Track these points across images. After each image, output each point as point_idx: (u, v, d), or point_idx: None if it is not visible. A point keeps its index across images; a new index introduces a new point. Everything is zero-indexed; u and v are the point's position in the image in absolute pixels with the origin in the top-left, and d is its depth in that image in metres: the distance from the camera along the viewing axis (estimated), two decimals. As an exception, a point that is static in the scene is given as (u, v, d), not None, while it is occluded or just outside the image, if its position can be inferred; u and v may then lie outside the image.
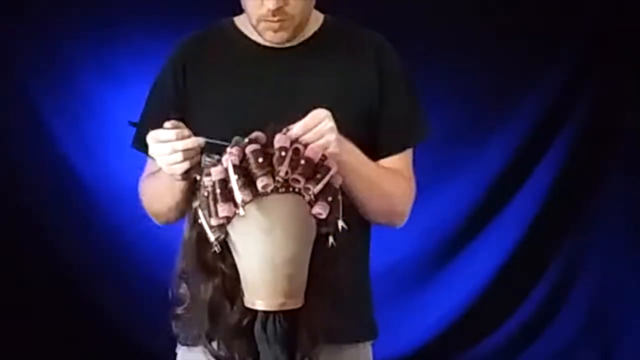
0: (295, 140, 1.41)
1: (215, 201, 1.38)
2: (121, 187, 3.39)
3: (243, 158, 1.39)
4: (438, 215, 3.52)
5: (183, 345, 1.69)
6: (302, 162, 1.39)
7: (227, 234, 1.41)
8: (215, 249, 1.42)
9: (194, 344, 1.60)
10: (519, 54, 3.45)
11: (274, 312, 1.41)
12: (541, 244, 3.53)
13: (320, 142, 1.43)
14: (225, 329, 1.46)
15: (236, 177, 1.37)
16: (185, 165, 1.46)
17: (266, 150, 1.39)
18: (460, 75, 3.41)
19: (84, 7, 3.37)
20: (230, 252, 1.43)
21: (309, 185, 1.39)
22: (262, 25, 1.61)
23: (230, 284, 1.45)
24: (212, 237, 1.41)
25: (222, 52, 1.71)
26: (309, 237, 1.43)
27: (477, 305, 3.52)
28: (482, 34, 3.41)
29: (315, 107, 1.48)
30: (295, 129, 1.42)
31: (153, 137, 1.48)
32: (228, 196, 1.38)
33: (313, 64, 1.53)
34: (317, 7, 1.70)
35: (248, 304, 1.43)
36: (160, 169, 1.56)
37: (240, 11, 1.67)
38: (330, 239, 1.44)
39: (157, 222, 1.75)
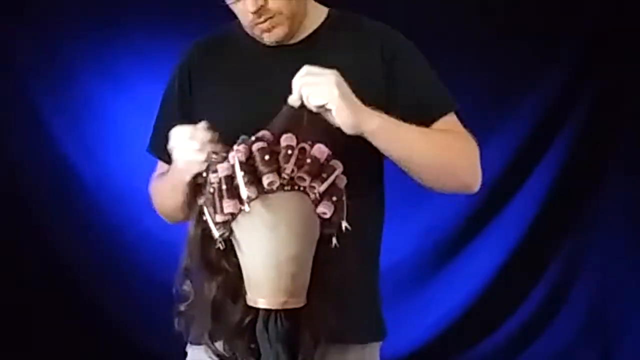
0: (301, 140, 1.41)
1: (221, 197, 1.39)
2: (121, 187, 3.40)
3: (249, 155, 1.39)
4: (438, 215, 3.52)
5: (189, 343, 1.69)
6: (308, 160, 1.40)
7: (231, 231, 1.42)
8: (220, 245, 1.42)
9: (197, 342, 1.60)
10: (519, 54, 3.45)
11: (276, 311, 1.41)
12: (541, 244, 3.54)
13: (318, 89, 1.43)
14: (228, 328, 1.47)
15: (242, 173, 1.38)
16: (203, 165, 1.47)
17: (272, 148, 1.40)
18: (460, 75, 3.40)
19: (84, 7, 3.38)
20: (234, 251, 1.44)
21: (315, 184, 1.40)
22: (255, 30, 1.62)
23: (234, 282, 1.45)
24: (216, 233, 1.42)
25: (227, 54, 1.71)
26: (312, 236, 1.43)
27: (477, 305, 3.52)
28: (482, 34, 3.41)
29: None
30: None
31: (183, 134, 1.48)
32: (234, 193, 1.39)
33: (317, 59, 1.53)
34: (320, 2, 1.71)
35: (250, 302, 1.43)
36: (166, 170, 1.57)
37: None
38: (334, 240, 1.44)
39: (167, 221, 1.76)
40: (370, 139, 1.49)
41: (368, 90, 1.59)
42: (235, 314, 1.45)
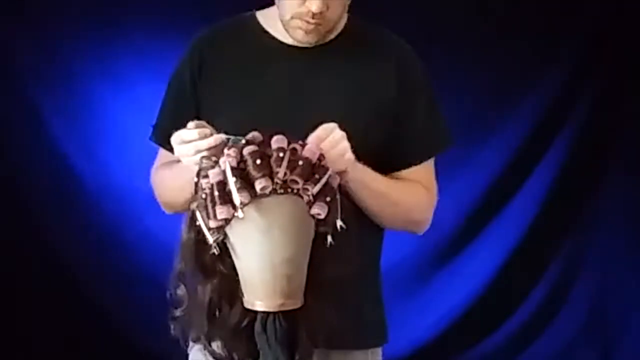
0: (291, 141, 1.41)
1: (214, 203, 1.38)
2: (121, 187, 3.40)
3: (241, 159, 1.39)
4: (438, 215, 3.50)
5: (188, 346, 1.69)
6: (300, 162, 1.40)
7: (225, 235, 1.41)
8: (214, 250, 1.42)
9: (193, 345, 1.60)
10: (519, 54, 3.45)
11: (274, 313, 1.41)
12: (541, 244, 3.53)
13: (338, 148, 1.46)
14: (225, 330, 1.46)
15: (234, 179, 1.37)
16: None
17: (264, 151, 1.39)
18: (460, 75, 3.41)
19: (84, 7, 3.37)
20: (229, 254, 1.43)
21: (308, 186, 1.40)
22: (295, 23, 1.58)
23: (229, 285, 1.45)
24: (210, 239, 1.41)
25: (240, 47, 1.68)
26: (307, 237, 1.43)
27: (477, 305, 3.52)
28: (482, 34, 3.41)
29: (328, 109, 1.48)
30: (310, 141, 1.44)
31: (177, 138, 1.48)
32: (226, 198, 1.38)
33: (331, 66, 1.52)
34: None
35: (247, 305, 1.43)
36: (175, 160, 1.57)
37: (248, 8, 1.67)
38: (329, 239, 1.44)
39: (166, 210, 1.76)
40: (341, 177, 1.50)
41: (372, 104, 1.61)
42: (232, 317, 1.45)
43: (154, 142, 1.75)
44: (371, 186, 1.59)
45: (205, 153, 1.44)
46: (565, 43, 3.49)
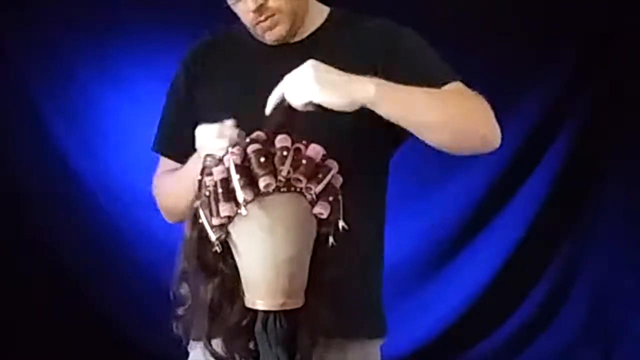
0: (295, 140, 1.41)
1: (217, 201, 1.39)
2: (121, 187, 3.40)
3: (244, 157, 1.39)
4: (438, 215, 3.52)
5: (189, 345, 1.69)
6: (304, 161, 1.40)
7: (228, 233, 1.42)
8: (217, 248, 1.42)
9: (195, 344, 1.60)
10: (519, 54, 3.45)
11: (275, 312, 1.41)
12: (541, 244, 3.53)
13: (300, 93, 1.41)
14: (226, 329, 1.47)
15: (238, 176, 1.37)
16: None
17: (267, 149, 1.39)
18: (459, 75, 3.40)
19: (84, 7, 3.37)
20: (231, 252, 1.44)
21: (311, 185, 1.40)
22: (257, 29, 1.64)
23: (231, 284, 1.45)
24: (213, 236, 1.41)
25: (231, 54, 1.73)
26: (309, 236, 1.43)
27: (477, 305, 3.52)
28: (481, 34, 3.41)
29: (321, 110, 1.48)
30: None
31: (214, 132, 1.47)
32: (230, 196, 1.38)
33: (319, 58, 1.52)
34: (322, 1, 1.71)
35: (248, 304, 1.43)
36: (178, 168, 1.60)
37: None
38: (330, 239, 1.44)
39: (168, 219, 1.77)
40: (373, 108, 1.44)
41: None
42: (233, 316, 1.45)
43: (156, 151, 1.79)
44: (402, 96, 1.48)
45: (222, 152, 1.43)
46: (565, 43, 3.49)
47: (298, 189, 1.40)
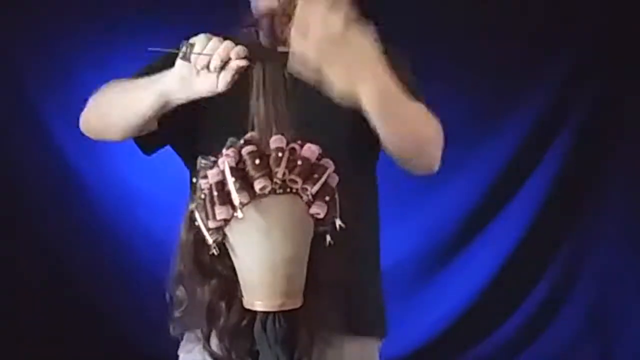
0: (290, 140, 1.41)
1: (213, 204, 1.38)
2: (121, 187, 3.40)
3: (239, 159, 1.39)
4: (438, 215, 3.52)
5: (184, 346, 1.69)
6: (299, 162, 1.40)
7: (224, 235, 1.42)
8: (214, 251, 1.42)
9: (193, 346, 1.60)
10: (519, 54, 3.45)
11: (274, 313, 1.42)
12: (541, 243, 3.53)
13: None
14: (224, 331, 1.47)
15: (233, 179, 1.37)
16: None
17: (262, 151, 1.39)
18: (459, 75, 3.41)
19: (83, 7, 3.37)
20: (228, 254, 1.44)
21: (307, 186, 1.40)
22: None
23: (228, 285, 1.45)
24: (210, 239, 1.41)
25: None
26: (306, 236, 1.43)
27: (477, 305, 3.52)
28: (482, 34, 3.41)
29: (314, 108, 1.48)
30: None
31: (205, 41, 1.42)
32: (225, 199, 1.38)
33: None
34: None
35: (247, 305, 1.43)
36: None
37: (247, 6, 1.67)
38: (328, 238, 1.44)
39: (89, 134, 1.75)
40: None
41: None
42: (232, 317, 1.45)
43: (135, 73, 1.70)
44: (392, 106, 1.45)
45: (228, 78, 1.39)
46: (565, 43, 3.49)
47: (294, 190, 1.40)
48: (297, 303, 1.43)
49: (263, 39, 1.62)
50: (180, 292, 1.49)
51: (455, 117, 3.38)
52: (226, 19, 1.71)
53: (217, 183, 1.38)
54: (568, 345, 3.54)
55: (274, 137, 1.40)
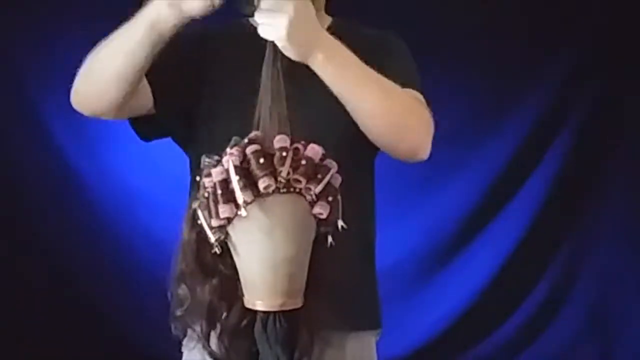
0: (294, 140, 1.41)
1: (216, 202, 1.38)
2: (122, 187, 3.39)
3: (244, 159, 1.39)
4: (438, 215, 3.52)
5: (186, 345, 1.69)
6: (303, 162, 1.40)
7: (227, 234, 1.42)
8: (216, 250, 1.42)
9: (194, 345, 1.61)
10: (519, 54, 3.45)
11: (274, 313, 1.42)
12: (541, 243, 3.53)
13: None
14: (225, 330, 1.47)
15: (237, 177, 1.37)
16: None
17: (266, 150, 1.39)
18: (460, 75, 3.41)
19: (84, 7, 3.37)
20: (230, 253, 1.44)
21: (310, 186, 1.40)
22: None
23: (229, 285, 1.45)
24: (212, 238, 1.41)
25: (236, 49, 1.69)
26: (308, 237, 1.43)
27: (477, 305, 3.52)
28: (482, 34, 3.41)
29: (317, 108, 1.47)
30: None
31: None
32: (229, 197, 1.38)
33: None
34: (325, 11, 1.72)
35: (248, 305, 1.43)
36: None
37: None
38: (329, 239, 1.44)
39: (87, 107, 1.71)
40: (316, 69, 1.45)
41: None
42: (232, 317, 1.45)
43: None
44: (348, 73, 1.49)
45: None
46: (565, 43, 3.49)
47: (297, 190, 1.40)
48: (297, 303, 1.43)
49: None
50: (182, 290, 1.48)
51: (455, 117, 3.39)
52: (226, 21, 1.71)
53: (221, 181, 1.38)
54: (568, 345, 3.54)
55: (278, 137, 1.40)
